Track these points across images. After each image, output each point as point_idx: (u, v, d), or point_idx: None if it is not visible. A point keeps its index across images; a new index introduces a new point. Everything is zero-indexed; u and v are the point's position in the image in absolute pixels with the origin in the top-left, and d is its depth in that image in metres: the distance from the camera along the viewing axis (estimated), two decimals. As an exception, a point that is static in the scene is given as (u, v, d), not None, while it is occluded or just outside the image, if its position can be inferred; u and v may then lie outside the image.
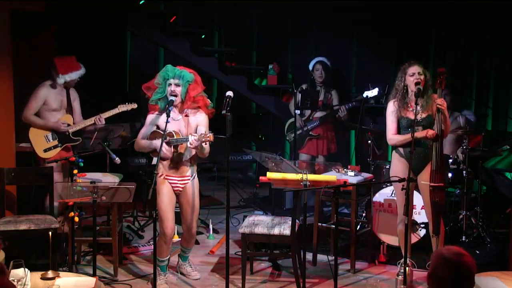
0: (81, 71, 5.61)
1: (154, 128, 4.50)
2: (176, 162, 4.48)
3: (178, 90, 4.40)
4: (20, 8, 5.61)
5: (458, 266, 2.48)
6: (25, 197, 5.57)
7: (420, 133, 4.51)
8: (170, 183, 4.52)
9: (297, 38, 8.27)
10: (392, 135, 4.66)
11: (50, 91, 5.55)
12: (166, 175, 4.50)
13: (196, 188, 4.60)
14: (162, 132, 4.36)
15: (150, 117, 4.54)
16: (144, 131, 4.53)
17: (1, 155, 5.26)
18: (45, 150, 5.53)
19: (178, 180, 4.52)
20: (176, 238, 5.75)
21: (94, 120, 5.52)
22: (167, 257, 4.65)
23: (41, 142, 5.52)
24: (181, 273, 4.89)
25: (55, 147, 5.55)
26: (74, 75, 5.56)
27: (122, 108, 5.57)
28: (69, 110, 5.65)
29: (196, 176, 4.62)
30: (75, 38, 6.78)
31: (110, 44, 7.47)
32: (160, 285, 4.55)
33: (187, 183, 4.54)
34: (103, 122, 5.53)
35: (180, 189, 4.54)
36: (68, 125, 5.56)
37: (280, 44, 8.28)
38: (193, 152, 4.48)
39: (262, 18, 8.31)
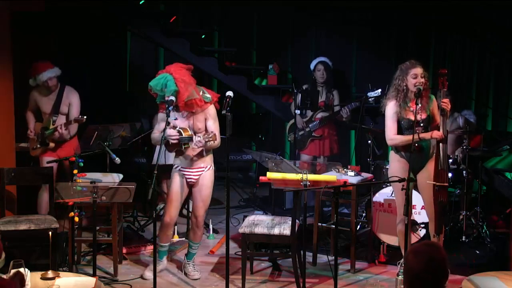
0: (55, 70, 5.49)
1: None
2: (187, 156, 4.62)
3: (172, 98, 4.44)
4: (21, 9, 5.61)
5: (428, 256, 2.53)
6: (25, 197, 5.57)
7: (425, 134, 4.49)
8: (185, 175, 4.67)
9: (297, 38, 8.27)
10: (393, 135, 4.60)
11: (38, 96, 5.59)
12: (181, 167, 4.67)
13: (208, 179, 4.70)
14: (173, 128, 4.50)
15: (160, 115, 4.70)
16: (157, 126, 4.73)
17: (1, 155, 5.26)
18: (33, 148, 5.62)
19: (192, 172, 4.67)
20: (176, 238, 5.77)
21: (57, 128, 5.42)
22: (167, 243, 4.78)
23: (33, 141, 5.65)
24: (185, 273, 4.90)
25: (37, 147, 5.59)
26: (47, 74, 5.45)
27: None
28: (55, 112, 5.56)
29: (211, 168, 4.73)
30: (75, 38, 6.78)
31: (110, 44, 7.47)
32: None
33: (201, 174, 4.67)
34: (63, 131, 5.41)
35: (194, 180, 4.69)
36: (46, 129, 5.53)
37: (280, 44, 8.28)
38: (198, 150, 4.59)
39: (262, 18, 8.31)
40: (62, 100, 5.57)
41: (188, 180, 4.70)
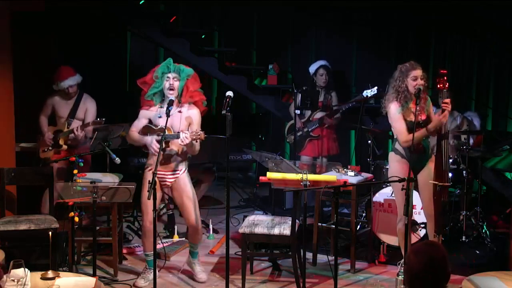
0: (76, 77, 5.64)
1: (147, 121, 4.56)
2: (166, 158, 4.53)
3: (176, 84, 4.47)
4: (21, 9, 5.61)
5: (428, 256, 2.54)
6: (25, 197, 5.56)
7: (433, 122, 4.44)
8: (158, 177, 4.51)
9: (297, 38, 8.27)
10: (408, 137, 4.42)
11: (57, 100, 5.71)
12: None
13: (186, 181, 4.63)
14: (154, 127, 4.47)
15: (143, 112, 4.61)
16: (136, 123, 4.61)
17: (1, 155, 5.26)
18: (44, 151, 5.64)
19: (166, 175, 4.58)
20: (176, 238, 5.78)
21: (73, 130, 5.48)
22: (151, 252, 4.48)
23: (44, 144, 5.66)
24: (192, 270, 4.83)
25: (48, 149, 5.62)
26: (68, 82, 5.59)
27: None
28: (71, 117, 5.66)
29: (186, 171, 4.65)
30: (75, 38, 6.78)
31: (110, 44, 7.47)
32: (138, 281, 4.64)
33: (177, 177, 4.59)
34: (79, 133, 5.46)
35: (168, 183, 4.60)
36: (60, 131, 5.60)
37: (280, 44, 8.28)
38: (184, 149, 4.53)
39: (262, 18, 8.31)
40: (79, 106, 5.70)
41: (162, 183, 4.59)
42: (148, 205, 4.48)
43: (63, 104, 5.70)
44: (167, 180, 4.60)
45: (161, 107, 4.50)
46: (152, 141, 4.44)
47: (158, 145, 4.37)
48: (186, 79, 4.50)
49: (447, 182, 4.49)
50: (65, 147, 5.58)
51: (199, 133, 4.28)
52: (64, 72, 5.62)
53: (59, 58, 6.40)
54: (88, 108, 5.72)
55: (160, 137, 4.34)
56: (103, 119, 5.36)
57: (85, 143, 5.64)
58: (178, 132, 4.38)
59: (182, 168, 4.62)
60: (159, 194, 4.61)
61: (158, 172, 4.47)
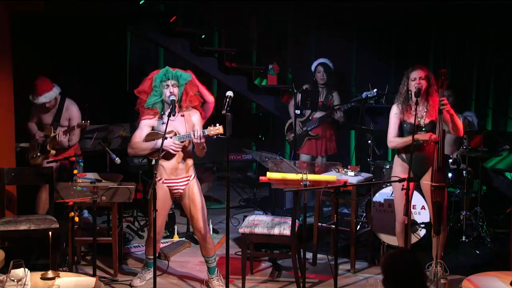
0: (52, 93, 5.49)
1: (150, 129, 4.46)
2: (175, 164, 4.45)
3: (176, 91, 4.40)
4: (21, 10, 5.61)
5: (404, 267, 2.56)
6: (25, 197, 5.57)
7: (422, 136, 4.49)
8: (170, 187, 4.47)
9: (297, 38, 8.27)
10: (392, 138, 4.64)
11: (40, 109, 5.61)
12: (165, 179, 4.45)
13: (196, 188, 4.52)
14: (159, 133, 4.36)
15: (144, 121, 4.48)
16: (138, 133, 4.46)
17: (1, 155, 5.26)
18: (33, 157, 5.61)
19: (178, 182, 4.47)
20: (176, 238, 5.78)
21: (56, 134, 5.46)
22: (152, 256, 4.44)
23: (33, 150, 5.64)
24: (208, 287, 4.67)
25: (37, 155, 5.59)
26: (42, 99, 5.47)
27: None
28: (56, 123, 5.61)
29: (195, 176, 4.58)
30: (75, 38, 6.78)
31: (110, 44, 7.47)
32: (134, 281, 4.63)
33: (187, 183, 4.50)
34: (61, 138, 5.44)
35: (181, 191, 4.49)
36: (47, 136, 5.57)
37: (280, 44, 8.28)
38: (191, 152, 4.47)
39: (262, 18, 8.31)
40: (62, 112, 5.61)
41: (175, 192, 4.49)
42: (156, 216, 4.29)
43: (46, 112, 5.62)
44: (180, 188, 4.48)
45: (163, 113, 4.40)
46: (168, 141, 4.27)
47: (177, 143, 4.30)
48: (184, 84, 4.43)
49: (441, 183, 4.48)
50: (53, 152, 5.54)
51: (217, 128, 4.21)
52: (40, 87, 5.46)
53: (59, 58, 6.42)
54: (71, 115, 5.61)
55: (174, 137, 4.30)
56: (88, 121, 5.33)
57: (70, 147, 5.59)
58: (188, 133, 4.32)
59: (191, 173, 4.51)
60: (168, 203, 4.58)
61: (168, 181, 4.47)
